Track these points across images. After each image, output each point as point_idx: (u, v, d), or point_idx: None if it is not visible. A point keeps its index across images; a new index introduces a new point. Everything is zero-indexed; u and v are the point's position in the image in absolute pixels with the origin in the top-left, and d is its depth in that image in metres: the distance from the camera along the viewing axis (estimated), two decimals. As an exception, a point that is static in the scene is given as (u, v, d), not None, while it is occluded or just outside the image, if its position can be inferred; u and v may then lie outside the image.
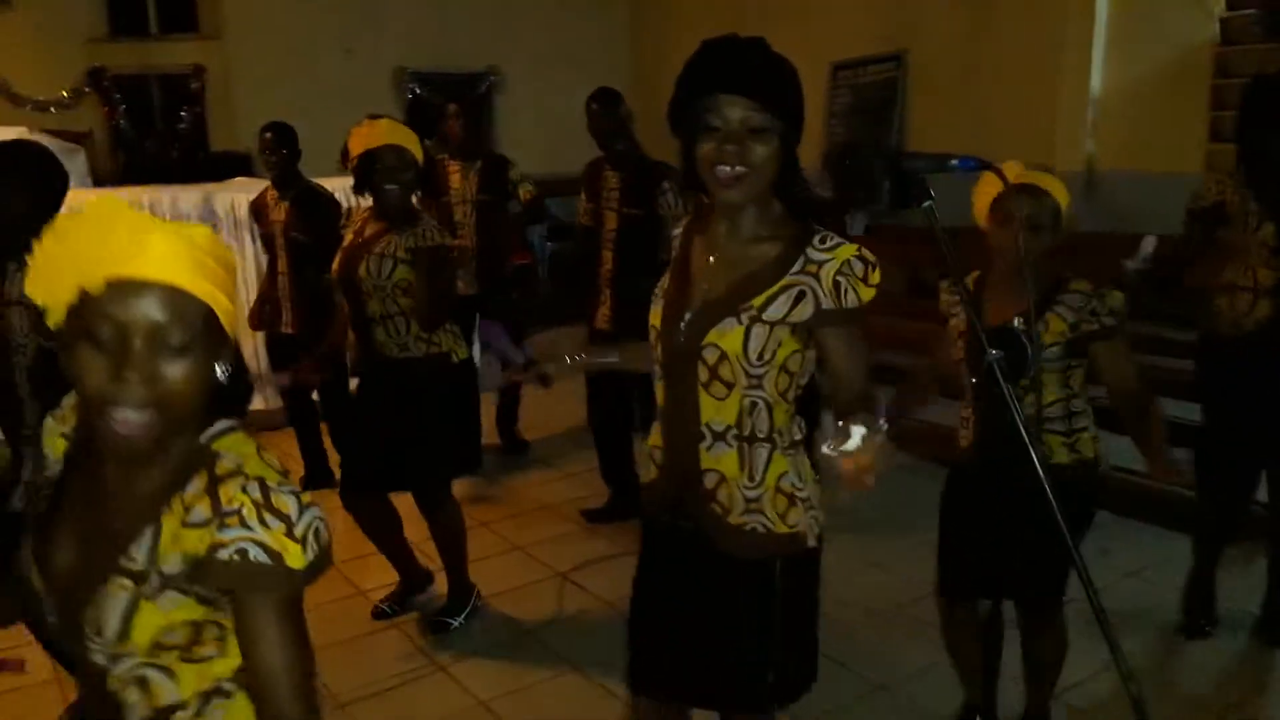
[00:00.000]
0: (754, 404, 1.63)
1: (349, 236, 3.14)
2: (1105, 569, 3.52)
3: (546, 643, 3.15)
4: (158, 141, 8.82)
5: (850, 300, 1.58)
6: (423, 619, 3.30)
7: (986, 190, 2.23)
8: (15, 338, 2.30)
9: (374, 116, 3.08)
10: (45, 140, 5.52)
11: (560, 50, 9.97)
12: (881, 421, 1.47)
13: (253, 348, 4.83)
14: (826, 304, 1.59)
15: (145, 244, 0.99)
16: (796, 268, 1.60)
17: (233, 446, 1.11)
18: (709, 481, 1.68)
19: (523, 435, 5.13)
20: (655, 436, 1.78)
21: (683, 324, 1.66)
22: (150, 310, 0.99)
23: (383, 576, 3.47)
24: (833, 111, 8.34)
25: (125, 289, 0.98)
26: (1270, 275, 2.70)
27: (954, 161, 1.44)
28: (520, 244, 5.18)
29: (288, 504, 1.06)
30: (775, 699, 1.76)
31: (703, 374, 1.64)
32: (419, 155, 3.05)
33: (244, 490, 1.05)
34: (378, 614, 3.34)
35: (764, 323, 1.59)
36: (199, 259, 1.02)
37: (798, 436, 1.71)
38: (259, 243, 4.88)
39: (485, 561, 3.70)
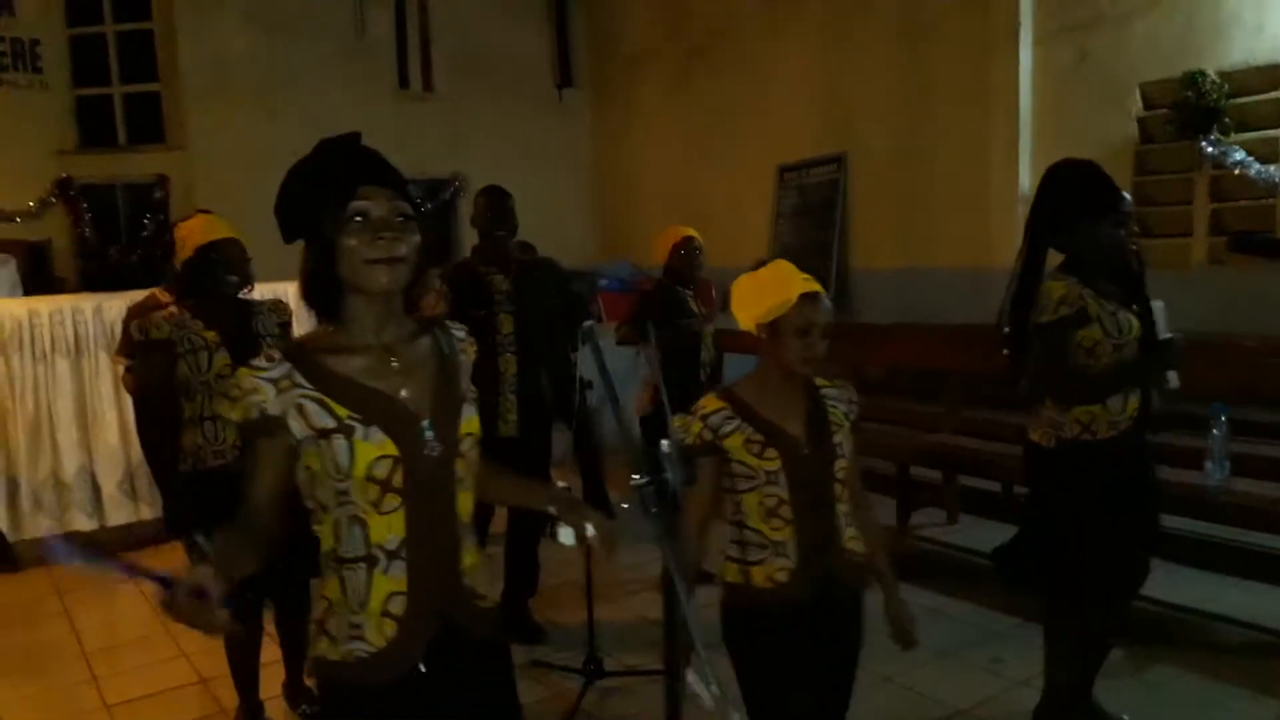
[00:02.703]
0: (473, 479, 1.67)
1: (211, 335, 3.07)
2: (994, 678, 3.41)
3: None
4: (120, 249, 8.97)
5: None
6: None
7: (770, 293, 2.06)
8: None
9: (204, 211, 3.14)
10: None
11: (522, 153, 10.21)
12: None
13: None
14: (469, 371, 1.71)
15: None
16: (452, 348, 1.69)
17: None
18: (468, 579, 1.63)
19: None
20: (380, 589, 1.54)
21: (427, 434, 1.56)
22: None
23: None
24: (779, 212, 8.47)
25: None
26: None
27: (603, 281, 1.47)
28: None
29: None
30: None
31: (460, 470, 1.59)
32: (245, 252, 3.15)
33: None
34: None
35: (472, 402, 1.66)
36: None
37: None
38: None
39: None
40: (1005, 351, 2.85)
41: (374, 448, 1.51)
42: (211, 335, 3.06)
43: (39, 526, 5.17)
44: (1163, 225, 6.07)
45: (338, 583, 1.56)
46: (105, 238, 9.05)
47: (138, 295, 5.47)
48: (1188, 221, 6.00)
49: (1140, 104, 6.04)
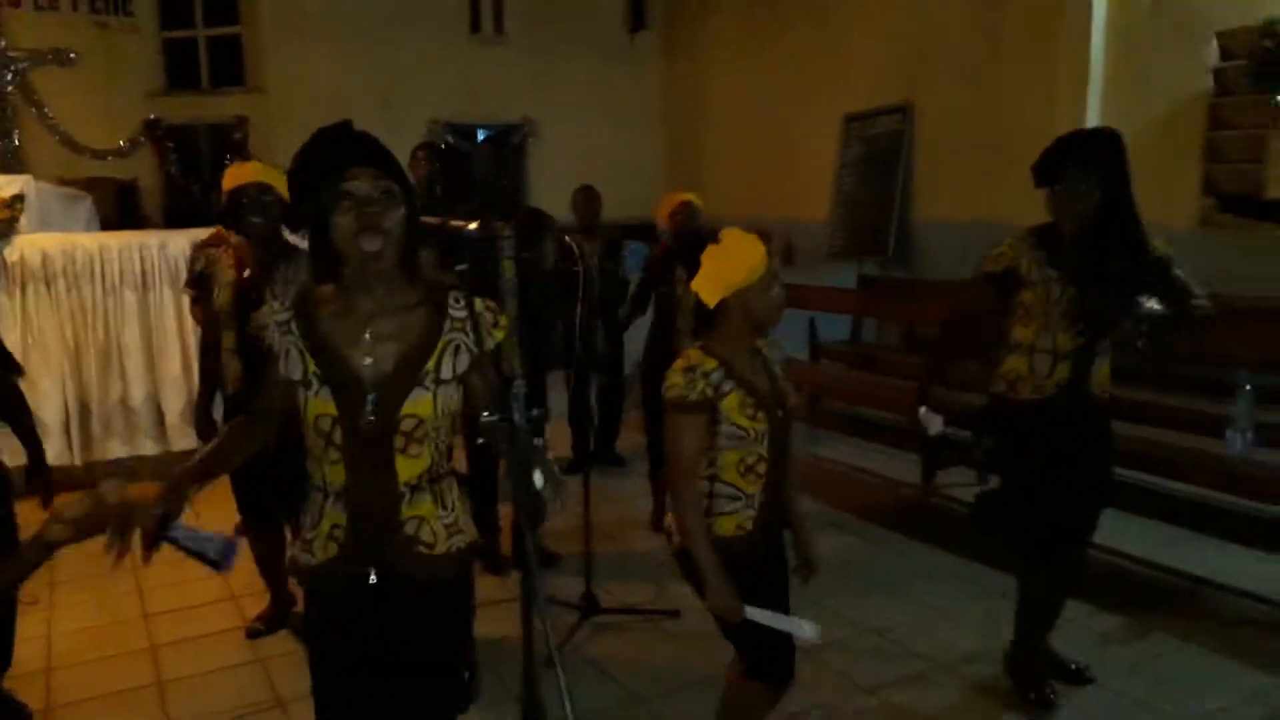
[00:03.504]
0: (437, 447, 1.79)
1: (229, 274, 3.30)
2: (988, 636, 3.37)
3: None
4: (203, 187, 9.35)
5: (488, 344, 1.78)
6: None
7: (744, 258, 2.15)
8: None
9: (247, 160, 3.30)
10: (50, 190, 5.97)
11: (593, 98, 10.22)
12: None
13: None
14: (475, 351, 1.78)
15: None
16: (447, 328, 1.78)
17: None
18: (410, 529, 1.78)
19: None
20: (329, 518, 1.77)
21: (369, 405, 1.71)
22: None
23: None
24: (844, 163, 8.31)
25: None
26: (1069, 340, 2.67)
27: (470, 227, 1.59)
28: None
29: None
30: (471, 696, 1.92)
31: (399, 442, 1.73)
32: (284, 192, 3.21)
33: None
34: (253, 633, 3.53)
35: (443, 383, 1.76)
36: None
37: None
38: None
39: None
40: None
41: (320, 404, 1.72)
42: (233, 274, 3.28)
43: (109, 449, 5.53)
44: (1236, 183, 5.76)
45: (309, 501, 1.82)
46: (189, 177, 9.44)
47: (202, 233, 5.77)
48: (1262, 180, 5.68)
49: (1217, 54, 5.71)
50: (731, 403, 2.13)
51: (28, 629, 3.60)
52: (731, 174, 9.75)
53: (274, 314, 1.80)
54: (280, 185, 3.21)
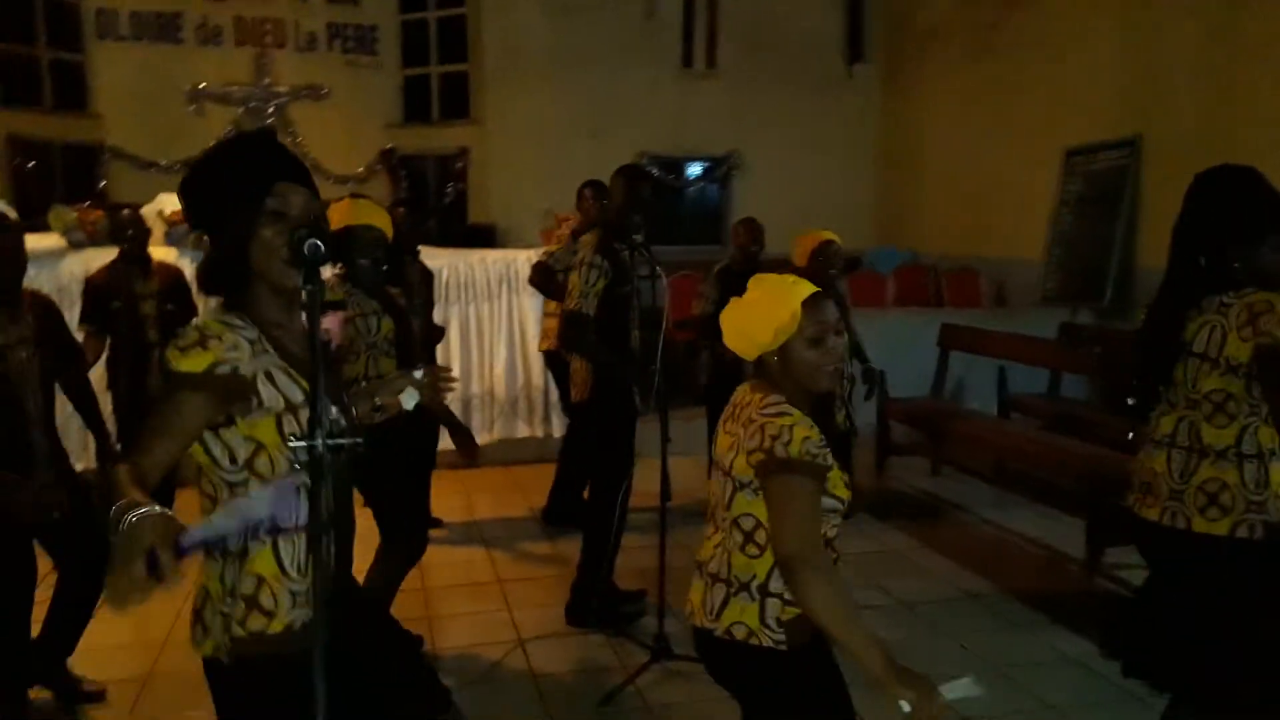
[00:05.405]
0: None
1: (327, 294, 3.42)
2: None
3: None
4: (425, 213, 10.01)
5: None
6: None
7: (772, 313, 1.84)
8: None
9: (356, 196, 3.37)
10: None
11: (805, 131, 10.00)
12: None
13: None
14: None
15: None
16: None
17: None
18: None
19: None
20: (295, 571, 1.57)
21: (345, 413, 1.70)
22: None
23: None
24: (1063, 200, 7.60)
25: None
26: None
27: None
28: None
29: None
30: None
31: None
32: (390, 235, 3.25)
33: None
34: None
35: None
36: None
37: None
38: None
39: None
40: (1136, 381, 2.50)
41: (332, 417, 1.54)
42: (374, 304, 3.22)
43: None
44: None
45: (270, 555, 1.55)
46: (416, 203, 10.15)
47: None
48: None
49: None
50: (834, 472, 1.82)
51: (148, 633, 3.68)
52: (945, 209, 9.23)
53: (240, 328, 1.53)
54: (385, 227, 3.23)
